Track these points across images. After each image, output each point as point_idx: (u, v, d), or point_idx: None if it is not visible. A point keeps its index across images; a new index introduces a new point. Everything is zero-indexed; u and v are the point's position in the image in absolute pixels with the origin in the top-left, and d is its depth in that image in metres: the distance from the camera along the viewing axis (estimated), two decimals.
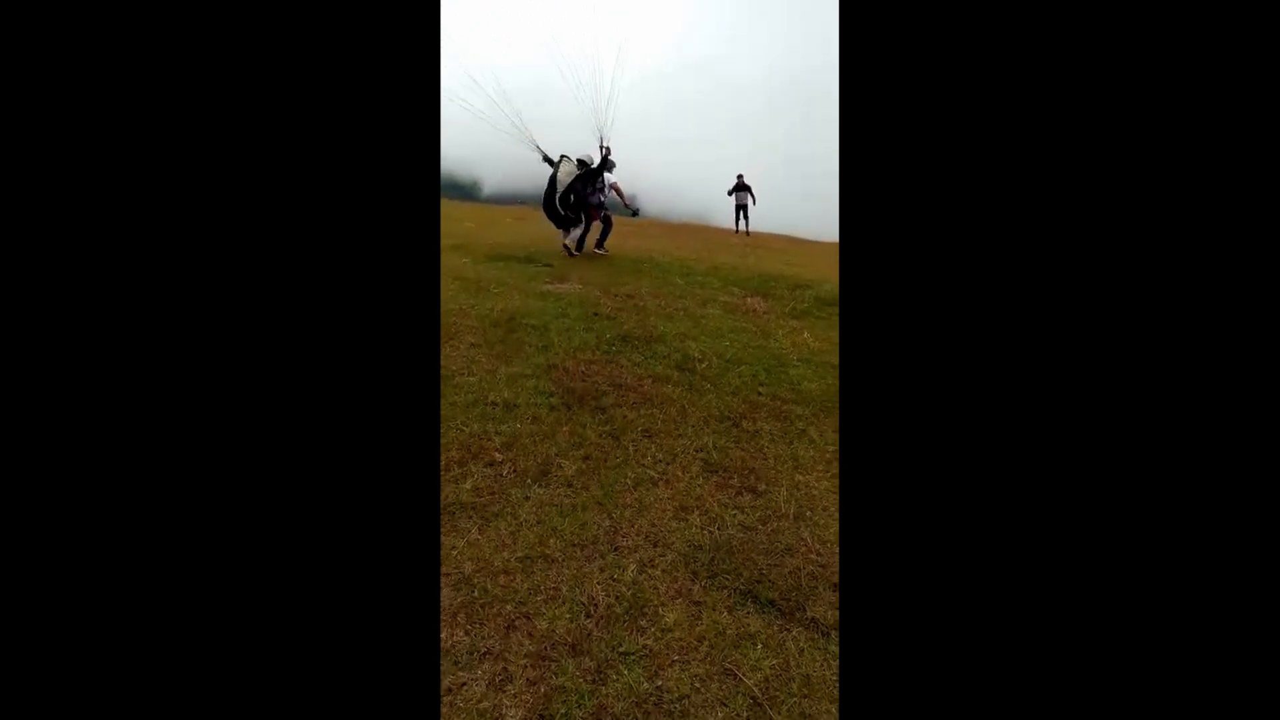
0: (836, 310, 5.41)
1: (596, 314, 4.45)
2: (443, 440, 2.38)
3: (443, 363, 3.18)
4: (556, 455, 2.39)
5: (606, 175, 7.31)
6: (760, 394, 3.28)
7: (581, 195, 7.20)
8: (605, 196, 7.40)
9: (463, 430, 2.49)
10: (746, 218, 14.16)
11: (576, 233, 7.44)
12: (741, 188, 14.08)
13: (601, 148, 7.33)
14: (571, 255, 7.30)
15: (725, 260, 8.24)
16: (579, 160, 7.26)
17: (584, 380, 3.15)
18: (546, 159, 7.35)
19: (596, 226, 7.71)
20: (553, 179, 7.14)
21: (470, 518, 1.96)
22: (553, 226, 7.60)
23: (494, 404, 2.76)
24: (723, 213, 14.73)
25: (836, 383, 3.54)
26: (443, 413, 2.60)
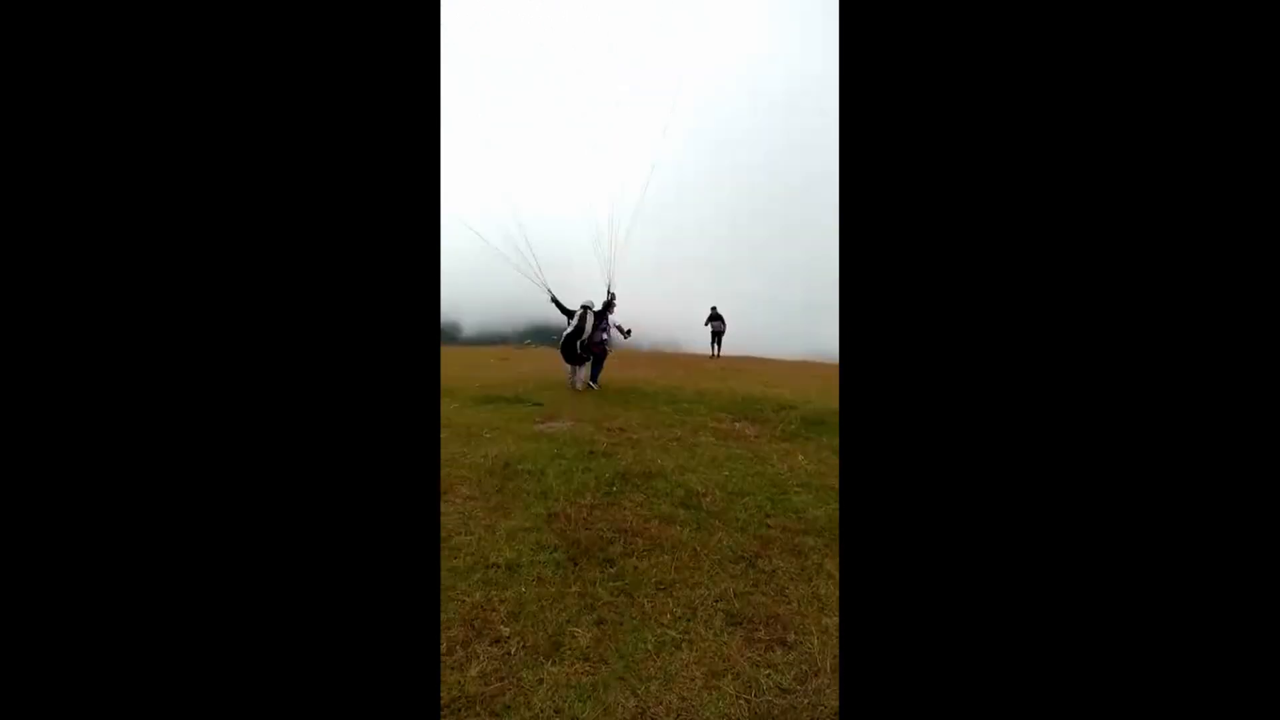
0: (823, 430, 5.48)
1: (592, 452, 4.41)
2: (444, 616, 2.19)
3: (439, 520, 3.03)
4: (568, 623, 2.21)
5: (610, 316, 8.11)
6: (769, 526, 3.18)
7: (592, 336, 7.96)
8: (609, 335, 8.12)
9: (464, 602, 2.31)
10: (719, 343, 14.97)
11: (585, 371, 8.07)
12: (715, 317, 15.06)
13: (608, 292, 8.17)
14: (579, 390, 7.74)
15: (708, 386, 8.43)
16: (591, 306, 8.09)
17: (588, 529, 3.03)
18: (561, 307, 8.13)
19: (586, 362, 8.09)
20: (579, 326, 7.99)
21: (478, 715, 1.74)
22: (551, 364, 7.92)
23: (495, 566, 2.60)
24: (692, 340, 15.58)
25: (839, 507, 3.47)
26: (443, 580, 2.42)
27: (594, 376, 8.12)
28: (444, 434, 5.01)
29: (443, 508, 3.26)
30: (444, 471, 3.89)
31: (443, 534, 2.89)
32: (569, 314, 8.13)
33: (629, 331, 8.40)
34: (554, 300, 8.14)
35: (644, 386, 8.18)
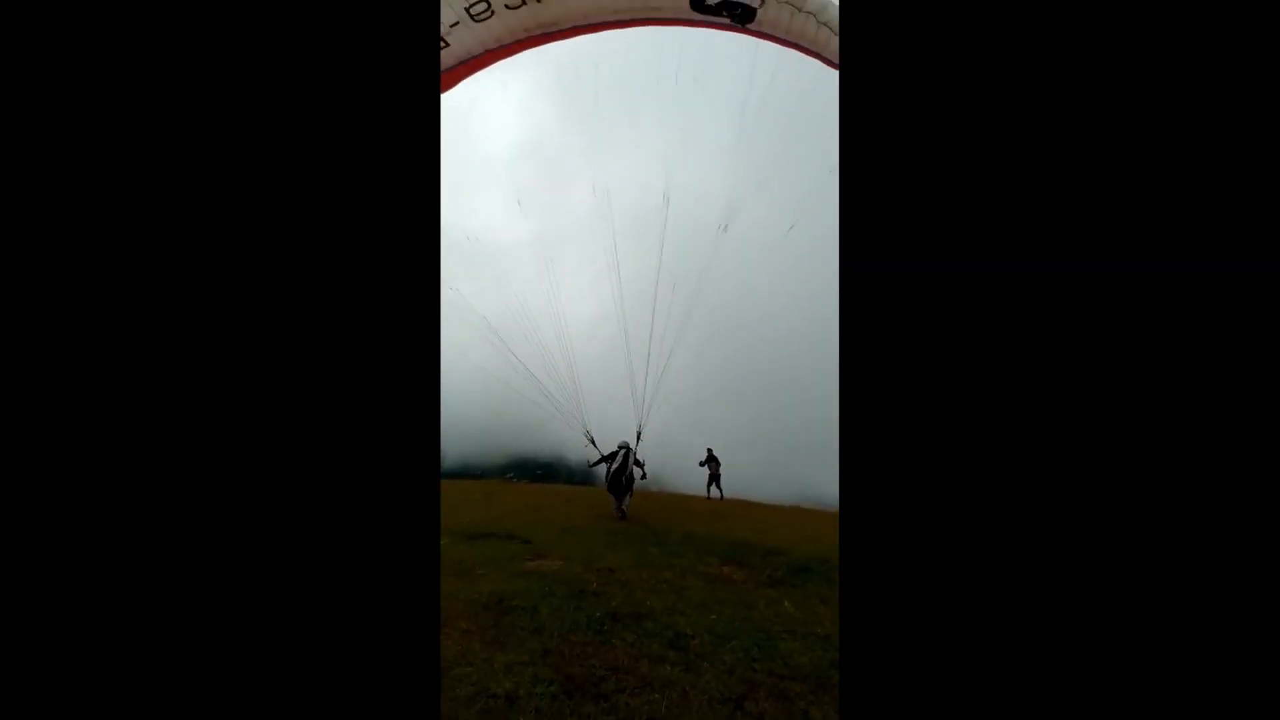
0: (810, 577, 5.61)
1: (583, 591, 4.52)
2: None
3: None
4: None
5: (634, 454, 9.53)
6: (755, 671, 3.29)
7: (630, 472, 9.46)
8: (641, 470, 9.60)
9: None
10: (719, 486, 15.12)
11: (624, 500, 9.49)
12: (712, 459, 15.44)
13: (638, 434, 9.58)
14: (620, 520, 8.97)
15: (696, 529, 8.52)
16: (628, 445, 9.64)
17: (581, 665, 3.14)
18: (596, 447, 9.69)
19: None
20: (625, 463, 9.42)
21: None
22: (538, 501, 8.29)
23: (496, 696, 2.71)
24: (676, 479, 15.92)
25: (826, 655, 3.59)
26: (445, 709, 2.53)
27: (623, 509, 9.30)
28: None
29: (442, 640, 3.36)
30: (441, 605, 3.99)
31: (444, 664, 2.99)
32: (606, 456, 9.51)
33: (645, 475, 9.55)
34: (591, 441, 9.44)
35: (631, 527, 8.26)
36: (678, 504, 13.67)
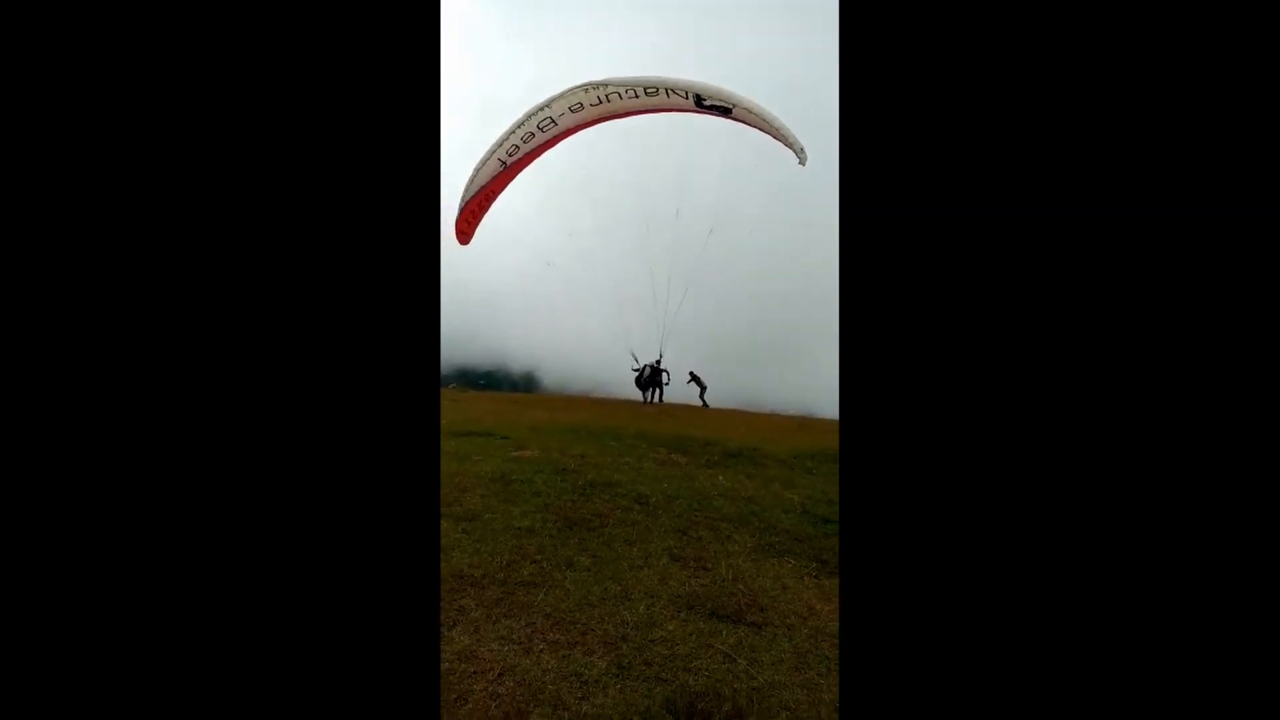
0: (740, 460, 7.08)
1: (564, 470, 5.74)
2: (495, 547, 3.46)
3: (467, 506, 4.27)
4: (574, 555, 3.55)
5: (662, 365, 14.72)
6: (696, 515, 4.65)
7: (659, 379, 14.86)
8: (665, 376, 15.15)
9: (507, 544, 3.60)
10: (662, 394, 16.85)
11: (651, 395, 14.97)
12: (695, 379, 17.21)
13: (660, 351, 14.31)
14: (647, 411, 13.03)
15: (646, 427, 9.93)
16: (654, 364, 14.58)
17: (575, 513, 4.37)
18: (638, 360, 14.62)
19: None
20: (655, 371, 14.64)
21: (531, 590, 3.06)
22: (499, 407, 9.59)
23: (519, 529, 3.89)
24: (616, 384, 17.93)
25: (748, 508, 4.99)
26: (484, 535, 3.68)
27: (661, 397, 14.86)
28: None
29: (465, 499, 4.48)
30: (453, 481, 5.08)
31: (475, 512, 4.13)
32: (641, 369, 14.61)
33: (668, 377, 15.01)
34: (637, 361, 14.35)
35: (591, 426, 9.55)
36: (626, 408, 15.20)
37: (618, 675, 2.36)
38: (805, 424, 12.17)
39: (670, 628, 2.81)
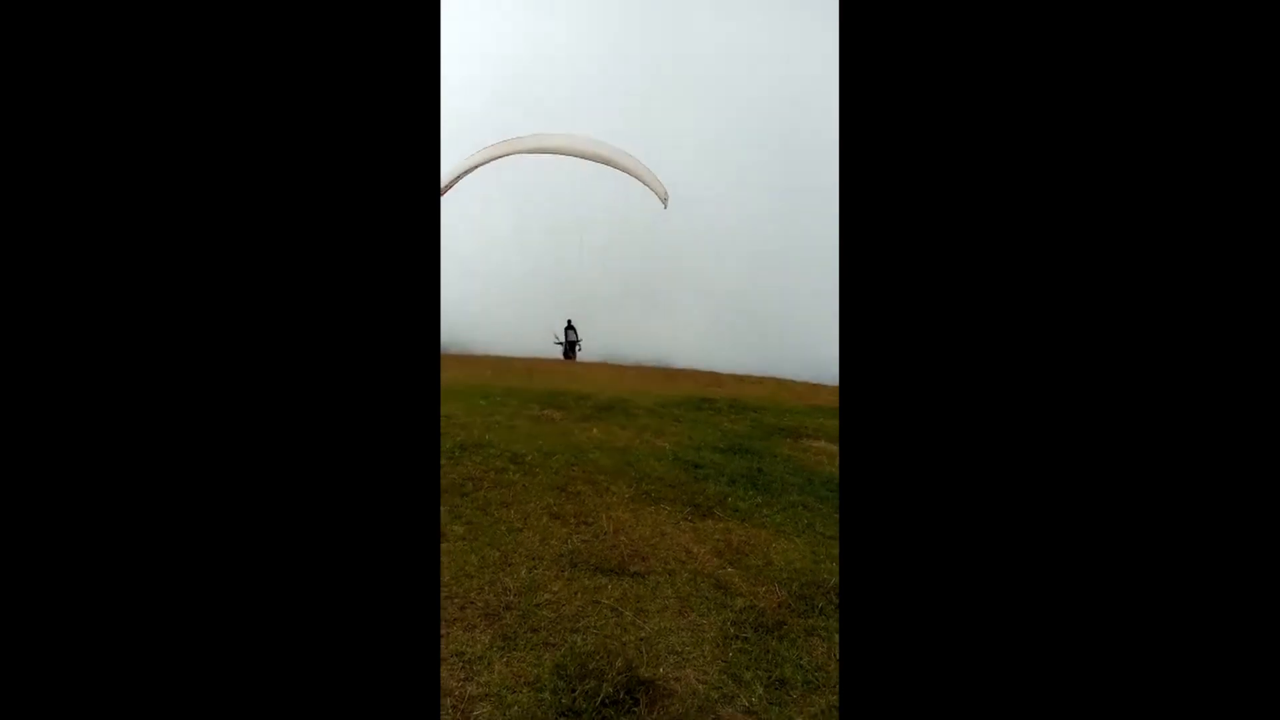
0: (613, 413, 7.16)
1: None
2: None
3: None
4: (447, 524, 3.29)
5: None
6: (574, 470, 4.60)
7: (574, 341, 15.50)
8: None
9: None
10: (575, 353, 16.44)
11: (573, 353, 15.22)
12: (570, 329, 16.71)
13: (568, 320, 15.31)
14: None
15: (516, 384, 9.58)
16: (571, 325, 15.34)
17: (444, 479, 4.04)
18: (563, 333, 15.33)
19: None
20: (572, 339, 15.37)
21: None
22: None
23: None
24: (485, 340, 17.41)
25: (624, 459, 5.05)
26: None
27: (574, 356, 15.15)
28: None
29: None
30: None
31: None
32: (563, 343, 14.98)
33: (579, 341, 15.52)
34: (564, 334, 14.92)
35: (455, 385, 8.96)
36: (495, 364, 14.56)
37: (503, 648, 2.24)
38: (669, 374, 12.72)
39: (555, 589, 2.74)
